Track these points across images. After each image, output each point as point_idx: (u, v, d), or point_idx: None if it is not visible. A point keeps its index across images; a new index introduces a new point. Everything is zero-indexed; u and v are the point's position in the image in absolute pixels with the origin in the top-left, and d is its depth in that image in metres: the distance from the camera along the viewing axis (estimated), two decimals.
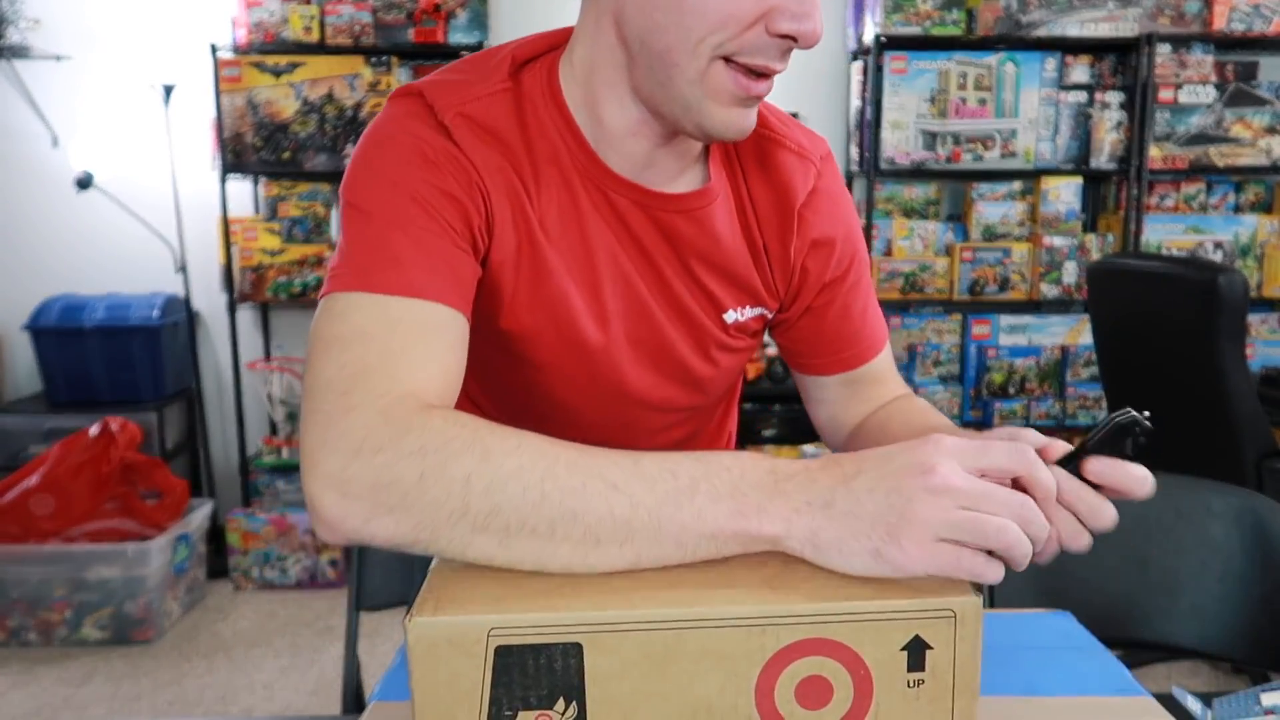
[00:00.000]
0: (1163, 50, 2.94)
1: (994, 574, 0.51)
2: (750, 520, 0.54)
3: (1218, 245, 3.04)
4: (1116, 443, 0.56)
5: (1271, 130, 2.96)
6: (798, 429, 3.03)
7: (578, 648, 0.50)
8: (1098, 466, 0.57)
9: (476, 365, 0.75)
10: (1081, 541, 0.57)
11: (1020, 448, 0.54)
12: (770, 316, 0.89)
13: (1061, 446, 0.59)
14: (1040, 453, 0.57)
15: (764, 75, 0.70)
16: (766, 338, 0.94)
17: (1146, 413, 0.55)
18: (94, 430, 2.62)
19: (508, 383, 0.84)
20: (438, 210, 0.70)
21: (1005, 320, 3.08)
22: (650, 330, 0.83)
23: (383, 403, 0.59)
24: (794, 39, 0.67)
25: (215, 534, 3.03)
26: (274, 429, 3.13)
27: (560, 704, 0.51)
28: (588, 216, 0.78)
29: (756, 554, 0.57)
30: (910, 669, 0.52)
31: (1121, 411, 0.56)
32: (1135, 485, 0.57)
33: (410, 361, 0.63)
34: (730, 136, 0.72)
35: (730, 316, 0.85)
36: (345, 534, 0.56)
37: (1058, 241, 2.98)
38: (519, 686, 0.50)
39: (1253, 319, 3.05)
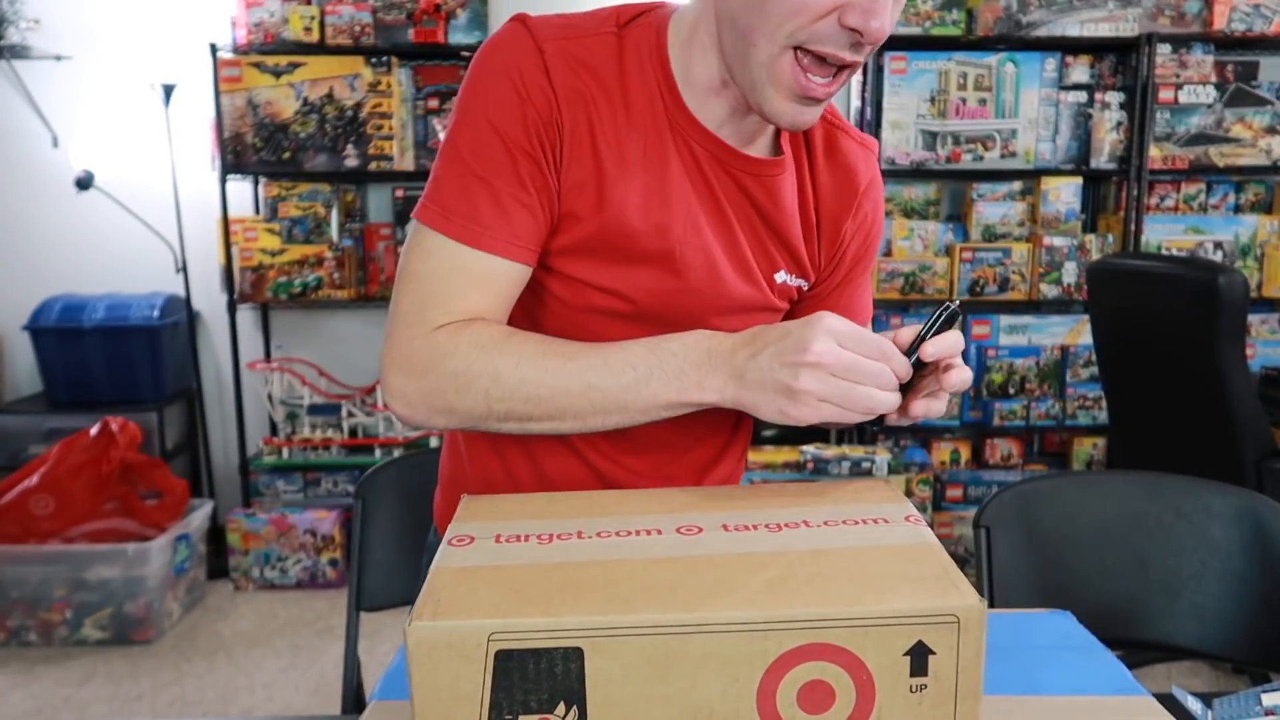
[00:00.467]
0: (1163, 50, 2.94)
1: (865, 418, 0.72)
2: (693, 393, 0.75)
3: (1218, 245, 3.04)
4: (946, 329, 0.74)
5: (1271, 130, 2.96)
6: (798, 430, 3.03)
7: (578, 652, 0.50)
8: (932, 348, 0.72)
9: (542, 308, 0.88)
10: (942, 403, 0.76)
11: (883, 342, 0.70)
12: (804, 289, 0.95)
13: (910, 333, 0.74)
14: (895, 337, 0.75)
15: (834, 71, 0.76)
16: None
17: (957, 302, 0.75)
18: (94, 430, 2.62)
19: (575, 318, 0.89)
20: (524, 150, 0.80)
21: (1005, 320, 3.08)
22: (709, 278, 0.88)
23: (431, 330, 0.78)
24: (860, 32, 0.72)
25: (215, 534, 3.03)
26: (274, 429, 3.13)
27: (561, 708, 0.51)
28: (671, 161, 0.84)
29: (758, 557, 0.57)
30: (913, 674, 0.52)
31: (944, 307, 0.74)
32: (957, 350, 0.74)
33: (466, 300, 0.79)
34: (784, 125, 0.81)
35: (780, 276, 0.92)
36: (414, 426, 0.80)
37: (1058, 241, 2.98)
38: (519, 691, 0.50)
39: (1253, 319, 3.05)
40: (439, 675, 0.50)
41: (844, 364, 0.68)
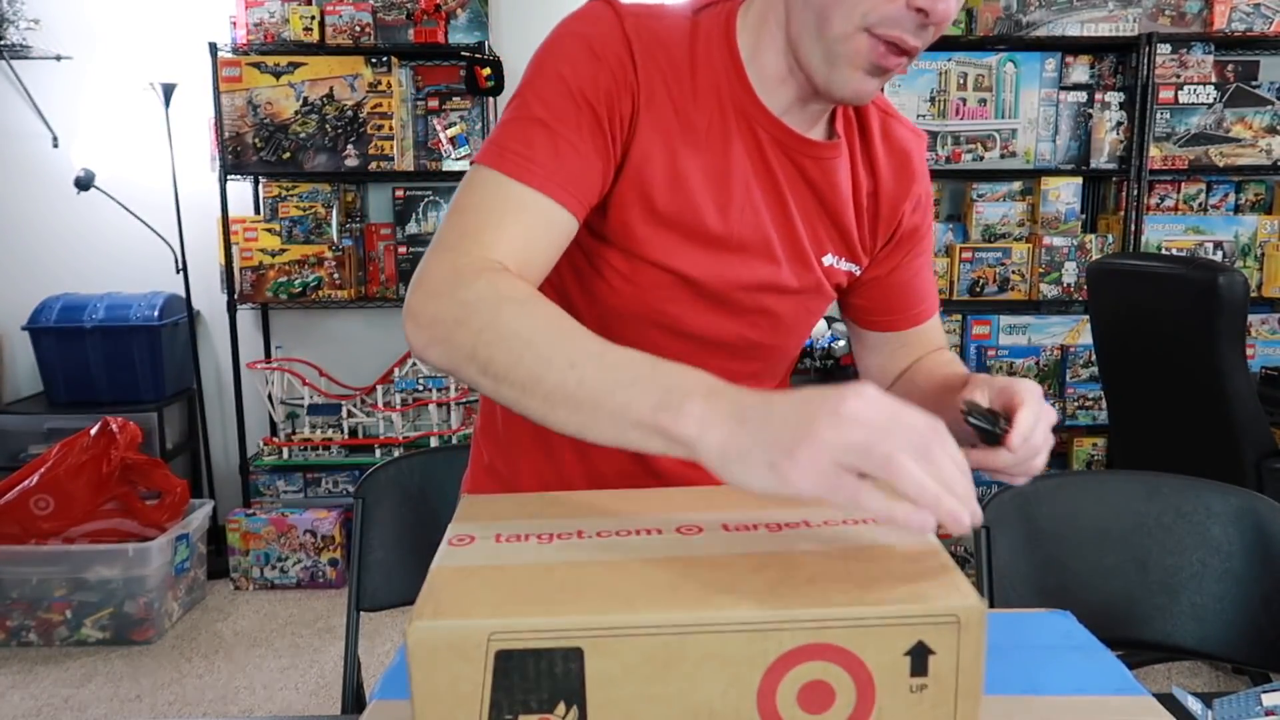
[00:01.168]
0: (1163, 50, 2.94)
1: (901, 515, 0.52)
2: (668, 416, 0.58)
3: (1218, 245, 3.04)
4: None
5: (1271, 130, 2.96)
6: None
7: (578, 652, 0.50)
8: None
9: (592, 272, 0.87)
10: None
11: (934, 431, 0.54)
12: (855, 273, 0.97)
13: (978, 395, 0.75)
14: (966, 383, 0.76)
15: (901, 52, 0.77)
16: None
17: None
18: (94, 430, 2.62)
19: (623, 283, 0.90)
20: (592, 107, 0.79)
21: (1005, 320, 3.08)
22: (763, 258, 0.89)
23: (463, 260, 0.73)
24: (926, 13, 0.73)
25: (215, 534, 3.03)
26: (274, 429, 3.13)
27: (561, 708, 0.51)
28: (733, 143, 0.86)
29: (758, 557, 0.57)
30: (913, 674, 0.51)
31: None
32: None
33: (505, 235, 0.75)
34: (848, 99, 0.81)
35: (828, 260, 0.93)
36: (417, 354, 0.73)
37: (1058, 241, 2.98)
38: (519, 690, 0.50)
39: (1253, 319, 3.05)
40: (439, 675, 0.50)
41: (882, 420, 0.54)
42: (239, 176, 3.02)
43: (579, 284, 0.88)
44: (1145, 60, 2.87)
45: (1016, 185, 3.06)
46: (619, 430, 0.61)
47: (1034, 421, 0.73)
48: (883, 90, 0.90)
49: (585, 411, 0.62)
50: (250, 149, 2.95)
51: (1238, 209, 3.11)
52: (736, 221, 0.87)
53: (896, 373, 1.03)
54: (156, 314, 2.95)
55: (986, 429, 0.72)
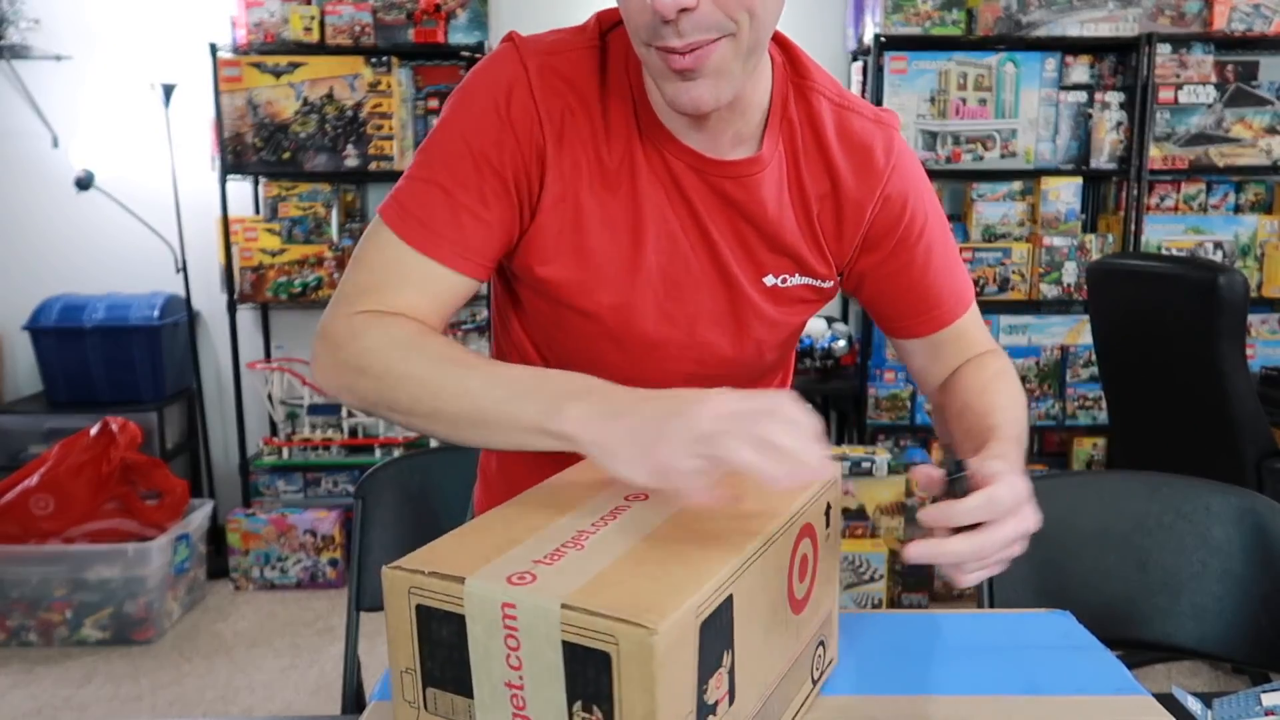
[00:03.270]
0: (1163, 50, 2.94)
1: (710, 496, 0.61)
2: (551, 420, 0.67)
3: (1218, 245, 3.04)
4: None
5: (1271, 130, 2.96)
6: None
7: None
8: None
9: (529, 318, 0.90)
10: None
11: (770, 413, 0.61)
12: (822, 285, 0.92)
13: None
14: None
15: (679, 52, 0.73)
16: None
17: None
18: (94, 430, 2.62)
19: (554, 331, 0.91)
20: (493, 169, 0.80)
21: (1005, 320, 3.08)
22: (687, 290, 0.87)
23: (361, 314, 0.79)
24: (662, 14, 0.69)
25: (215, 534, 3.03)
26: (274, 429, 3.13)
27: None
28: (641, 173, 0.84)
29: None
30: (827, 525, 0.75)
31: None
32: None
33: (401, 296, 0.80)
34: (686, 109, 0.76)
35: (769, 280, 0.89)
36: (328, 397, 0.82)
37: (1058, 242, 2.98)
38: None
39: (1253, 319, 3.05)
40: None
41: (743, 411, 0.61)
42: (239, 176, 3.02)
43: (534, 327, 0.89)
44: (1145, 60, 2.87)
45: (1016, 185, 3.06)
46: (516, 437, 0.70)
47: (989, 499, 0.64)
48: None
49: (485, 428, 0.72)
50: (250, 149, 2.95)
51: (1238, 209, 3.11)
52: (654, 253, 0.85)
53: (939, 378, 0.96)
54: (156, 314, 2.95)
55: (951, 480, 0.67)
